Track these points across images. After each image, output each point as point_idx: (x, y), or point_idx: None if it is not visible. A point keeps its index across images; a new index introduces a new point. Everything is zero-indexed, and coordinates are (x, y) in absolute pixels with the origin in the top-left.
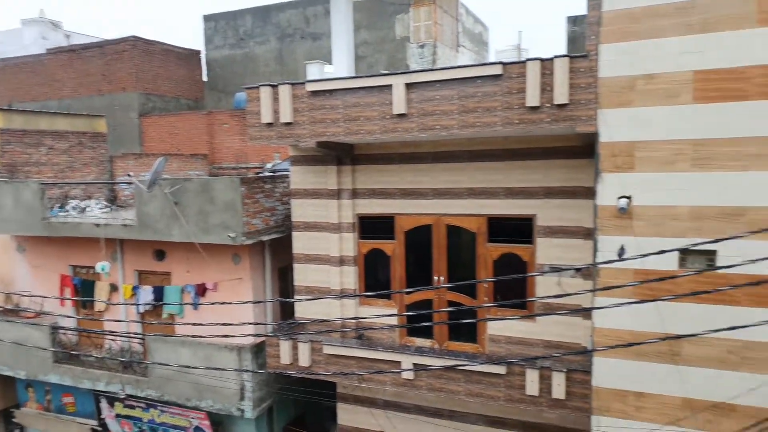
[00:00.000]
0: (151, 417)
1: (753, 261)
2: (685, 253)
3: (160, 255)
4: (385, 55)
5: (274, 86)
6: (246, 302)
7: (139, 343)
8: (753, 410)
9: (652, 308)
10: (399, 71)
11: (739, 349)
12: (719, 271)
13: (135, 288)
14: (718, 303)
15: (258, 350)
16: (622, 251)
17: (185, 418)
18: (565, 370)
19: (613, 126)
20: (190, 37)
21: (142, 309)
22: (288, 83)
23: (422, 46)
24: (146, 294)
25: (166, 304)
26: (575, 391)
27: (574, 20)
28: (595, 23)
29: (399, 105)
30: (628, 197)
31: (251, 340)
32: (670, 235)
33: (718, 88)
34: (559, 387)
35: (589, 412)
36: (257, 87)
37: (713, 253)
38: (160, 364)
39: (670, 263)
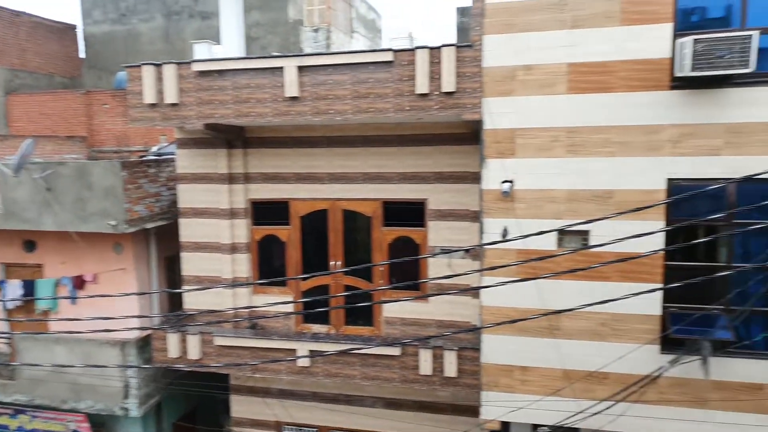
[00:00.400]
0: (20, 424)
1: (620, 239)
2: (562, 233)
3: (29, 246)
4: (278, 37)
5: (157, 65)
6: (129, 294)
7: (6, 344)
8: (622, 377)
9: (533, 286)
10: (291, 53)
11: (610, 321)
12: (592, 249)
13: (0, 283)
14: (591, 279)
15: (144, 344)
16: (505, 233)
17: (61, 422)
18: (456, 348)
19: (496, 114)
20: (66, 10)
21: (10, 305)
22: (173, 62)
23: (316, 30)
24: (14, 289)
25: (38, 299)
26: (466, 369)
27: (462, 11)
28: (479, 15)
29: (291, 88)
30: (511, 181)
31: (136, 334)
32: (549, 216)
33: (588, 80)
34: (450, 365)
35: (478, 389)
36: (139, 66)
37: (587, 233)
38: (31, 364)
39: (549, 243)
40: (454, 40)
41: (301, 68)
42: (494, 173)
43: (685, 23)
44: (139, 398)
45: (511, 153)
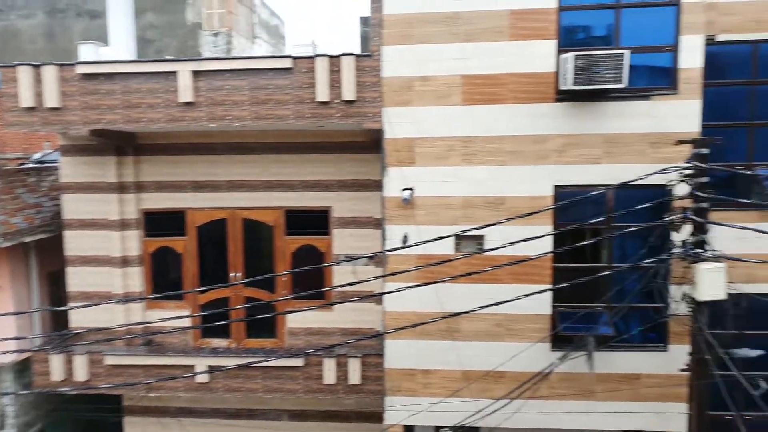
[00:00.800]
0: None
1: (512, 243)
2: (458, 238)
3: None
4: (176, 40)
5: (36, 66)
6: (5, 314)
7: None
8: (517, 375)
9: (433, 290)
10: (185, 58)
11: (505, 322)
12: (487, 253)
13: None
14: (486, 282)
15: (22, 368)
16: (405, 239)
17: None
18: (360, 355)
19: (395, 123)
20: None
21: None
22: (54, 64)
23: (216, 35)
24: None
25: None
26: (370, 375)
27: (365, 21)
28: (377, 25)
29: (185, 93)
30: (411, 189)
31: (12, 358)
32: (447, 222)
33: (481, 92)
34: (354, 373)
35: (383, 394)
36: (14, 66)
37: (481, 238)
38: None
39: (447, 248)
40: (358, 49)
41: (196, 73)
42: (395, 181)
43: (568, 40)
44: (17, 427)
45: (411, 161)
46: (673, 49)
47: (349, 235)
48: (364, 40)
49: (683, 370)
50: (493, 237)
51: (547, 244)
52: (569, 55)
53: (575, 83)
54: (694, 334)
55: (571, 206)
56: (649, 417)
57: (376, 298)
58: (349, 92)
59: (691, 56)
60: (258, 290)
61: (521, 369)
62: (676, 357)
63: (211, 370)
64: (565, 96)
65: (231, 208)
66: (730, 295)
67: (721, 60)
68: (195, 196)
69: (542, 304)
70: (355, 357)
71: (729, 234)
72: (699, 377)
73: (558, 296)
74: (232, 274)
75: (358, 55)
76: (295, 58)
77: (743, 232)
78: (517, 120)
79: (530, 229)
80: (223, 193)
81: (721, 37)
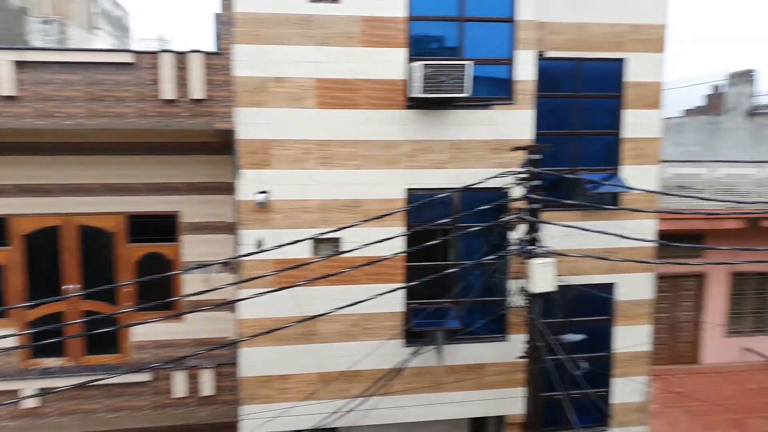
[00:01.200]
0: None
1: (367, 245)
2: (316, 241)
3: None
4: None
5: None
6: None
7: None
8: (373, 372)
9: (290, 295)
10: (4, 46)
11: (361, 321)
12: (343, 255)
13: None
14: (344, 283)
15: None
16: (260, 243)
17: None
18: (212, 366)
19: (249, 124)
20: None
21: None
22: None
23: (47, 22)
24: None
25: None
26: (224, 385)
27: (219, 18)
28: (228, 23)
29: (6, 86)
30: (266, 192)
31: None
32: (304, 226)
33: (335, 96)
34: (207, 384)
35: (238, 404)
36: None
37: (338, 240)
38: None
39: (304, 252)
40: (213, 46)
41: (20, 63)
42: (250, 184)
43: (418, 49)
44: None
45: (266, 164)
46: (510, 62)
47: (200, 241)
48: (219, 37)
49: (520, 357)
50: (349, 239)
51: (399, 245)
52: (418, 64)
53: (424, 91)
54: (529, 324)
55: (421, 208)
56: (492, 403)
57: (231, 306)
58: (197, 91)
59: (525, 69)
60: (97, 303)
61: (376, 366)
62: (514, 346)
63: (42, 392)
64: (414, 103)
65: (65, 214)
66: (558, 286)
67: (550, 74)
68: (20, 201)
69: (396, 302)
70: (208, 368)
71: (557, 232)
72: (533, 362)
73: (410, 294)
74: (66, 287)
75: (207, 53)
76: (137, 52)
77: (569, 229)
78: (370, 125)
79: (384, 230)
80: (55, 197)
81: (550, 54)
